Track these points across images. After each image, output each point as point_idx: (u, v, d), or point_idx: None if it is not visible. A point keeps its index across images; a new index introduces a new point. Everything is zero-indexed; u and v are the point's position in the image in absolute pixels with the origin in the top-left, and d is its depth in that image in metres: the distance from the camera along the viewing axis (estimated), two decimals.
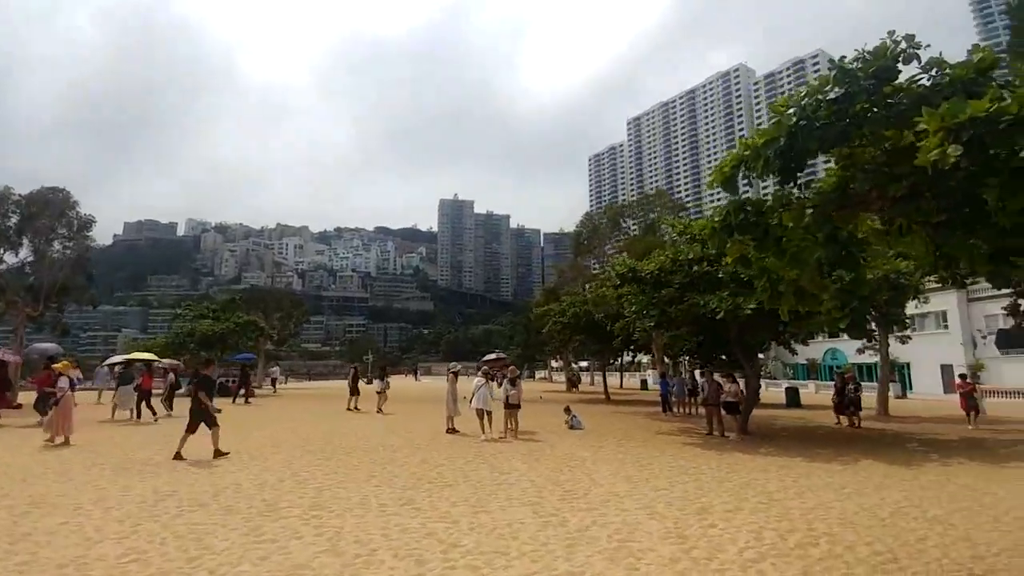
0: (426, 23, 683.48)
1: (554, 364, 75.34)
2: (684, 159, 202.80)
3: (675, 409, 22.17)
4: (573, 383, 42.60)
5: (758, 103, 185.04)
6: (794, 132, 4.70)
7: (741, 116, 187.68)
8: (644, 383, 47.39)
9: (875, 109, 4.55)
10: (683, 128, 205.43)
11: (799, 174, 5.33)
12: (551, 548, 5.48)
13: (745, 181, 5.97)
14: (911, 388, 38.57)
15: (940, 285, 18.44)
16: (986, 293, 34.24)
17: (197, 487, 7.90)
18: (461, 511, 6.80)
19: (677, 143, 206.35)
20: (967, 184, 3.97)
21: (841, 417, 18.50)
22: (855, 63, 4.60)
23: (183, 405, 12.47)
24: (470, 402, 13.91)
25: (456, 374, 15.88)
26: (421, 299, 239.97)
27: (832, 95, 4.58)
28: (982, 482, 9.14)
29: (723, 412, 15.23)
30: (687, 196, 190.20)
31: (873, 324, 22.09)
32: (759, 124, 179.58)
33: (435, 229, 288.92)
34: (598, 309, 23.78)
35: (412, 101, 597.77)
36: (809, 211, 5.36)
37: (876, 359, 34.73)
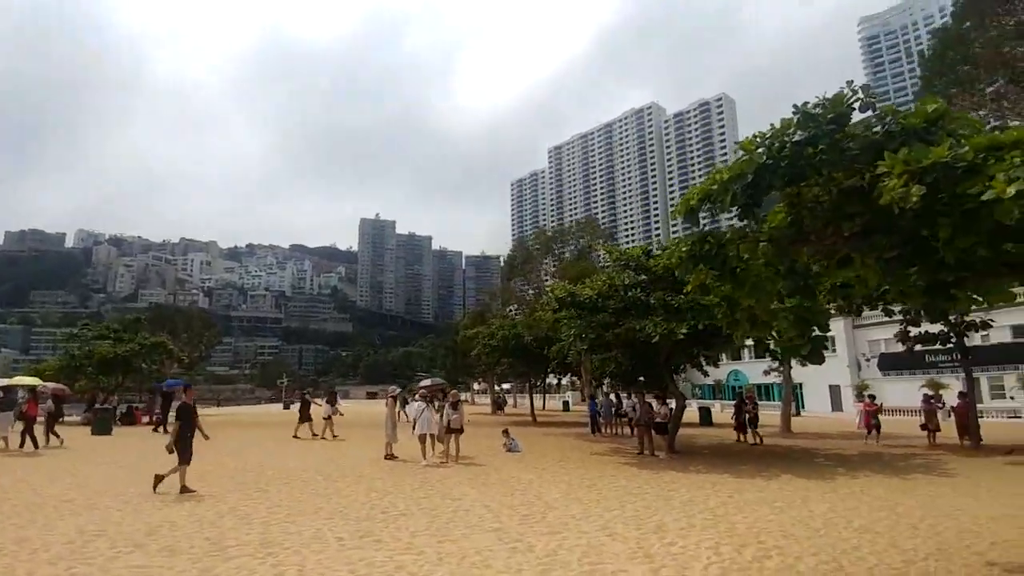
0: (351, 34, 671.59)
1: (475, 387, 75.16)
2: (601, 188, 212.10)
3: (603, 429, 22.74)
4: (499, 406, 42.63)
5: (668, 140, 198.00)
6: (760, 170, 5.09)
7: (653, 151, 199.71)
8: (566, 404, 48.52)
9: (830, 152, 5.01)
10: (600, 159, 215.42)
11: (756, 209, 5.75)
12: (527, 575, 5.42)
13: (704, 214, 6.37)
14: (803, 407, 41.88)
15: (836, 314, 20.39)
16: (869, 321, 38.03)
17: (126, 526, 7.11)
18: (424, 541, 6.57)
19: (595, 173, 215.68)
20: (915, 223, 4.46)
21: (742, 435, 19.56)
22: (816, 108, 5.07)
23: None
24: (413, 427, 13.58)
25: (395, 398, 15.43)
26: (339, 320, 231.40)
27: (796, 137, 5.01)
28: (892, 493, 10.02)
29: (653, 432, 15.81)
30: (604, 224, 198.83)
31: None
32: (669, 159, 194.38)
33: (355, 248, 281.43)
34: (531, 332, 24.10)
35: (335, 115, 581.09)
36: (763, 244, 5.79)
37: (776, 380, 37.90)
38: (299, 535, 6.82)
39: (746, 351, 40.42)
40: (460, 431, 13.86)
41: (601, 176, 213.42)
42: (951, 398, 22.12)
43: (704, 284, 6.31)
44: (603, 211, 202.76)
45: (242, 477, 11.38)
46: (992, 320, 18.91)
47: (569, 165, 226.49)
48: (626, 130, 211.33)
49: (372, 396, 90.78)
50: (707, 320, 14.25)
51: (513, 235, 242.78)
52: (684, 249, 6.11)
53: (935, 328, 18.50)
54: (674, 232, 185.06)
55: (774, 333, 6.43)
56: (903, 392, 34.97)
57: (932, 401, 19.73)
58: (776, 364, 27.46)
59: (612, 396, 24.81)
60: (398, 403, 16.18)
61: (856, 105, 4.92)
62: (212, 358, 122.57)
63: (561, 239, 45.44)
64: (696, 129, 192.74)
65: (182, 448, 9.37)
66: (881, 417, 30.56)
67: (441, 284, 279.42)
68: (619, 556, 6.03)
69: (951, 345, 19.31)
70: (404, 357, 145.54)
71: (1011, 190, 3.55)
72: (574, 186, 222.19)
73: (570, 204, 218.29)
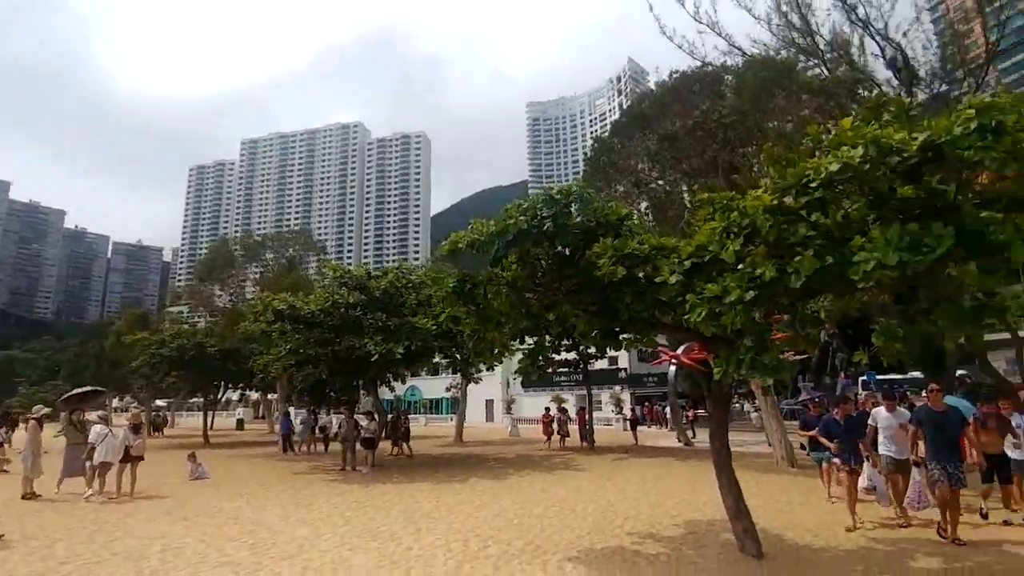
0: None
1: (115, 404, 61.88)
2: (298, 195, 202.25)
3: (300, 448, 21.99)
4: (157, 427, 35.89)
5: (369, 161, 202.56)
6: (519, 232, 6.47)
7: (355, 169, 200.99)
8: (240, 423, 44.69)
9: (562, 229, 6.71)
10: (300, 165, 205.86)
11: (505, 260, 7.16)
12: None
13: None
14: (465, 419, 48.10)
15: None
16: (518, 347, 46.44)
17: None
18: None
19: (292, 178, 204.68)
20: (608, 290, 6.39)
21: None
22: (558, 195, 6.74)
23: None
24: (88, 456, 10.97)
25: (40, 421, 12.16)
26: None
27: (544, 213, 6.54)
28: (550, 486, 12.67)
29: (359, 447, 16.30)
30: (296, 227, 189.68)
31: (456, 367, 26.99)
32: (369, 180, 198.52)
33: None
34: (224, 342, 21.72)
35: None
36: (506, 289, 7.23)
37: (451, 395, 42.64)
38: None
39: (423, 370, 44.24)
40: (141, 458, 11.87)
41: (299, 182, 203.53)
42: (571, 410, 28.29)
43: (456, 316, 7.41)
44: (297, 218, 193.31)
45: None
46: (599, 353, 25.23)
47: (265, 163, 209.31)
48: (330, 141, 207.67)
49: None
50: (420, 341, 15.68)
51: (186, 228, 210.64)
52: (450, 286, 7.10)
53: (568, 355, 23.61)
54: (365, 252, 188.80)
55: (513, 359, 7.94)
56: (537, 405, 43.05)
57: (558, 412, 24.28)
58: (458, 382, 30.85)
59: (305, 413, 24.14)
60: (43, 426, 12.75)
61: (575, 197, 6.78)
62: None
63: (271, 247, 41.92)
64: (396, 157, 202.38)
65: None
66: (522, 426, 37.36)
67: (74, 274, 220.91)
68: (369, 567, 6.48)
69: (578, 368, 24.80)
70: (4, 361, 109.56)
71: (672, 279, 5.59)
72: (267, 186, 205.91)
73: (261, 205, 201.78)
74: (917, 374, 23.77)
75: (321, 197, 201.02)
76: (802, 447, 12.74)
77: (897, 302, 5.62)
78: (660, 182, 18.76)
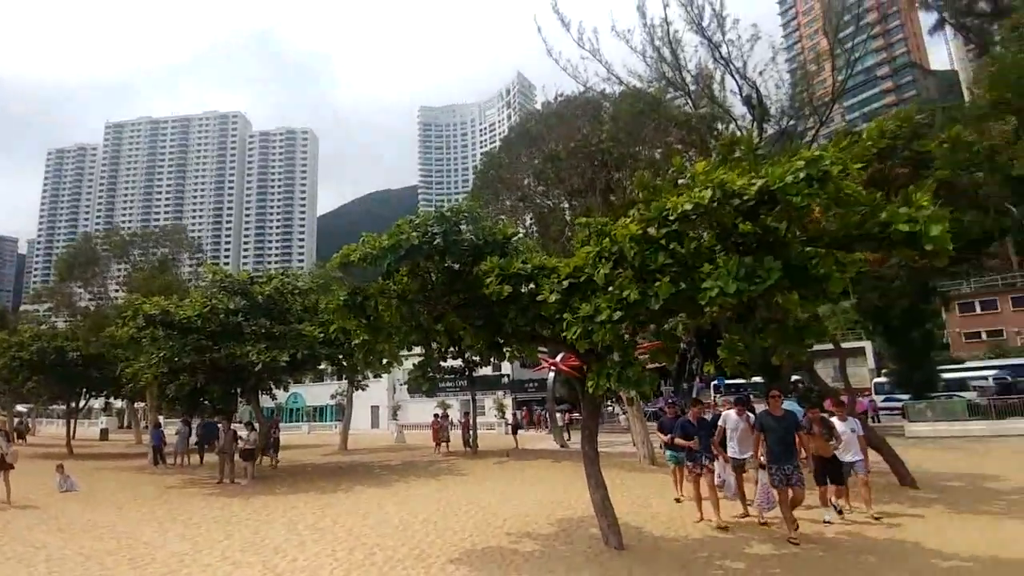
0: None
1: None
2: (168, 186, 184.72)
3: (175, 460, 20.34)
4: (20, 434, 31.61)
5: (251, 155, 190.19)
6: (411, 248, 6.73)
7: (234, 162, 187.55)
8: (104, 432, 40.66)
9: (452, 246, 7.07)
10: (172, 154, 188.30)
11: (396, 275, 7.38)
12: None
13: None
14: (350, 426, 46.96)
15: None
16: (406, 354, 46.26)
17: None
18: None
19: (163, 168, 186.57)
20: (493, 305, 6.84)
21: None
22: (448, 212, 7.09)
23: None
24: None
25: None
26: None
27: (435, 230, 6.85)
28: (434, 491, 12.92)
29: (238, 459, 15.48)
30: (166, 223, 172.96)
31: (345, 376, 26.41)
32: (250, 175, 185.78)
33: None
34: (88, 347, 19.62)
35: None
36: (396, 301, 7.45)
37: (335, 402, 41.40)
38: None
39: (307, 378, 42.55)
40: (12, 467, 11.38)
41: (170, 173, 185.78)
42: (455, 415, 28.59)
43: (345, 328, 7.49)
44: (167, 212, 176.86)
45: None
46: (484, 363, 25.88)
47: (132, 151, 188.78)
48: (206, 130, 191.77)
49: None
50: (306, 349, 15.27)
51: (43, 217, 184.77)
52: (342, 298, 7.16)
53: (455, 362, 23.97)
54: (244, 251, 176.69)
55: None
56: (422, 410, 42.95)
57: (442, 419, 24.33)
58: (345, 389, 30.05)
59: (180, 424, 22.33)
60: None
61: (464, 216, 7.20)
62: None
63: (141, 245, 37.67)
64: (280, 153, 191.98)
65: None
66: (408, 431, 37.09)
67: None
68: None
69: (464, 375, 25.16)
70: None
71: (552, 297, 6.16)
72: (134, 175, 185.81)
73: (126, 195, 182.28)
74: (758, 379, 27.02)
75: (195, 191, 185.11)
76: (662, 447, 13.97)
77: (738, 321, 6.59)
78: (544, 198, 19.86)
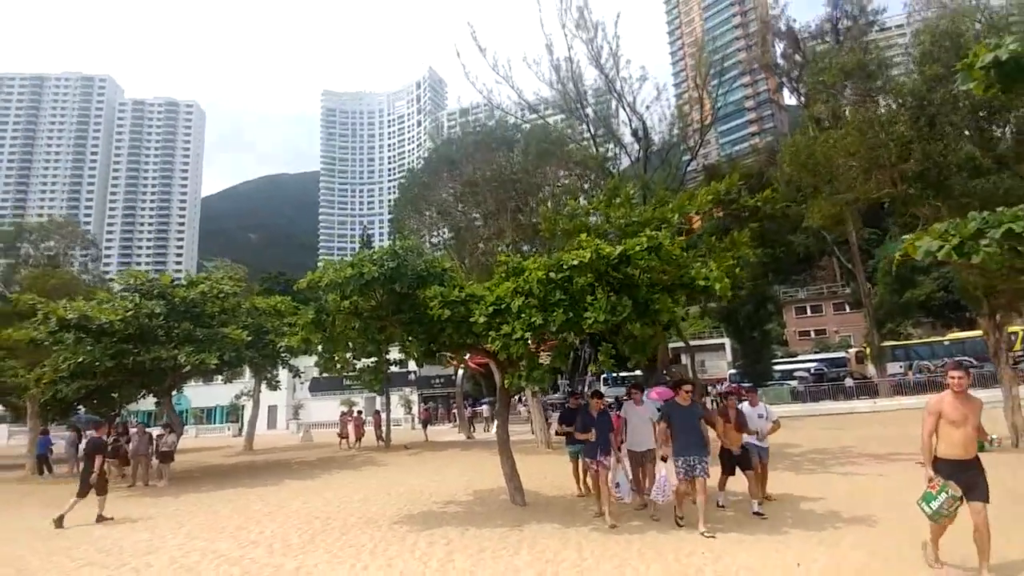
0: None
1: None
2: (11, 151, 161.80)
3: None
4: None
5: (122, 124, 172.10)
6: (373, 278, 8.55)
7: (99, 128, 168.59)
8: None
9: (401, 275, 8.99)
10: (19, 116, 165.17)
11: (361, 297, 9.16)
12: None
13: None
14: (243, 426, 45.83)
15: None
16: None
17: None
18: None
19: (5, 132, 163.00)
20: (434, 324, 8.88)
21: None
22: (400, 249, 8.98)
23: None
24: None
25: None
26: None
27: (390, 263, 8.72)
28: (359, 479, 14.60)
29: (156, 461, 15.92)
30: (8, 201, 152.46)
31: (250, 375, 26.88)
32: (119, 147, 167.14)
33: None
34: None
35: None
36: (354, 317, 9.25)
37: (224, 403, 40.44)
38: None
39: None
40: None
41: (15, 136, 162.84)
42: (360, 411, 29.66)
43: (308, 339, 9.16)
44: (8, 182, 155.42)
45: None
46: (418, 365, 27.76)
47: None
48: (66, 92, 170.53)
49: None
50: (233, 352, 16.19)
51: None
52: (311, 316, 8.82)
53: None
54: (109, 233, 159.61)
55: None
56: (325, 409, 43.33)
57: (348, 416, 25.69)
58: (250, 388, 30.10)
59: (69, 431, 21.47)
60: None
61: (406, 245, 9.18)
62: None
63: (30, 240, 33.57)
64: (158, 126, 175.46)
65: None
66: (314, 432, 37.44)
67: None
68: (233, 552, 7.80)
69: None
70: None
71: (481, 319, 8.32)
72: None
73: None
74: (639, 372, 31.31)
75: (49, 156, 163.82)
76: (556, 434, 16.48)
77: (610, 335, 9.16)
78: (462, 215, 22.02)
